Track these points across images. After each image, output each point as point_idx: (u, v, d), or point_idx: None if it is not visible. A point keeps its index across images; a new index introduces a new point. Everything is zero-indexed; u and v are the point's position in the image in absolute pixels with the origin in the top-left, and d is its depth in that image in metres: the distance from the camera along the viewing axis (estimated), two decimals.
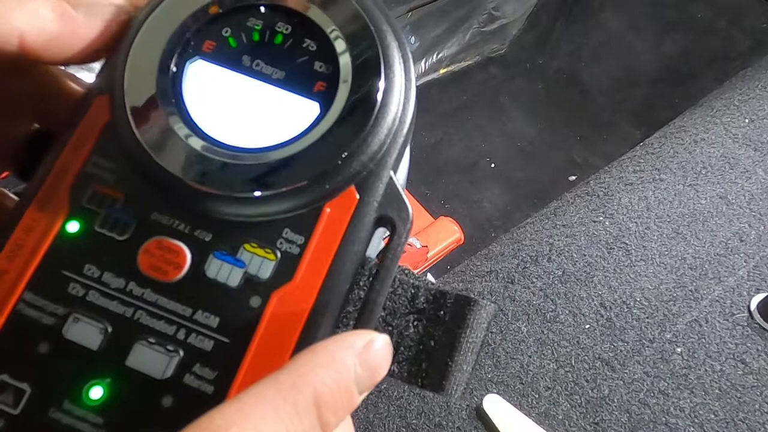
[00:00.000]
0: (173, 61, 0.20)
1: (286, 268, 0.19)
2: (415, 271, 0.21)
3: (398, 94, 0.20)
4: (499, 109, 1.35)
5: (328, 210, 0.19)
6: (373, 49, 0.20)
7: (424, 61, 1.29)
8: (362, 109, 0.19)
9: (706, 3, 1.48)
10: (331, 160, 0.19)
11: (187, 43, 0.20)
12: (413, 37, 1.22)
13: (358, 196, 0.20)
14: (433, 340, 0.21)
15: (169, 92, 0.20)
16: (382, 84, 0.20)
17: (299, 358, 0.16)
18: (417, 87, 0.21)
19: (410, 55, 0.21)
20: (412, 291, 0.21)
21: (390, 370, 0.20)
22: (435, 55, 1.30)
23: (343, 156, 0.19)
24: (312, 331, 0.19)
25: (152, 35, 0.20)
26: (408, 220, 0.20)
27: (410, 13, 1.16)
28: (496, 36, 1.38)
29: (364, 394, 0.17)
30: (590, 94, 1.38)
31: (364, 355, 0.17)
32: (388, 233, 0.20)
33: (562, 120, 1.34)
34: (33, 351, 0.18)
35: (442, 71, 1.34)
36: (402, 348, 0.21)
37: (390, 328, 0.21)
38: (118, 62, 0.20)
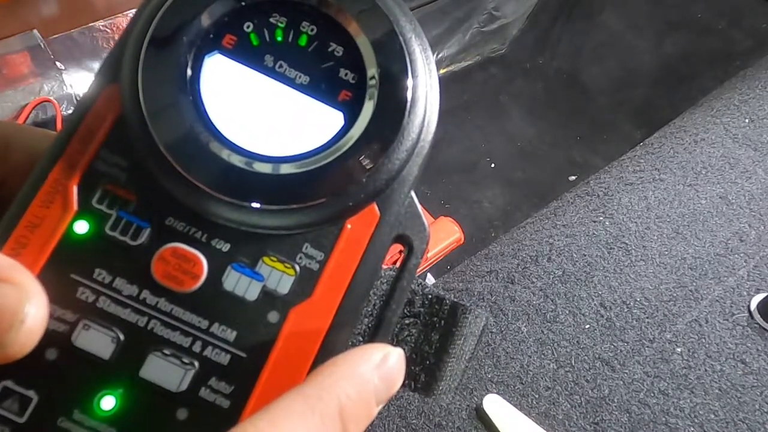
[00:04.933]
0: (191, 54, 0.19)
1: (305, 284, 0.19)
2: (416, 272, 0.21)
3: (422, 111, 0.19)
4: (499, 109, 1.35)
5: (349, 226, 0.19)
6: (401, 60, 0.19)
7: None
8: (389, 124, 0.19)
9: (706, 3, 1.48)
10: (355, 177, 0.18)
11: (206, 35, 0.19)
12: None
13: (379, 214, 0.19)
14: (428, 344, 0.21)
15: (186, 89, 0.18)
16: (409, 100, 0.19)
17: (323, 370, 0.17)
18: None
19: (435, 69, 0.20)
20: (409, 296, 0.21)
21: None
22: (435, 55, 1.30)
23: (368, 173, 0.18)
24: (329, 350, 0.18)
25: (168, 25, 0.19)
26: (425, 241, 0.20)
27: None
28: (496, 36, 1.38)
29: (380, 406, 0.17)
30: (590, 94, 1.38)
31: (381, 368, 0.17)
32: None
33: (562, 120, 1.34)
34: (40, 357, 0.17)
35: (442, 71, 1.34)
36: None
37: None
38: (131, 51, 0.19)
